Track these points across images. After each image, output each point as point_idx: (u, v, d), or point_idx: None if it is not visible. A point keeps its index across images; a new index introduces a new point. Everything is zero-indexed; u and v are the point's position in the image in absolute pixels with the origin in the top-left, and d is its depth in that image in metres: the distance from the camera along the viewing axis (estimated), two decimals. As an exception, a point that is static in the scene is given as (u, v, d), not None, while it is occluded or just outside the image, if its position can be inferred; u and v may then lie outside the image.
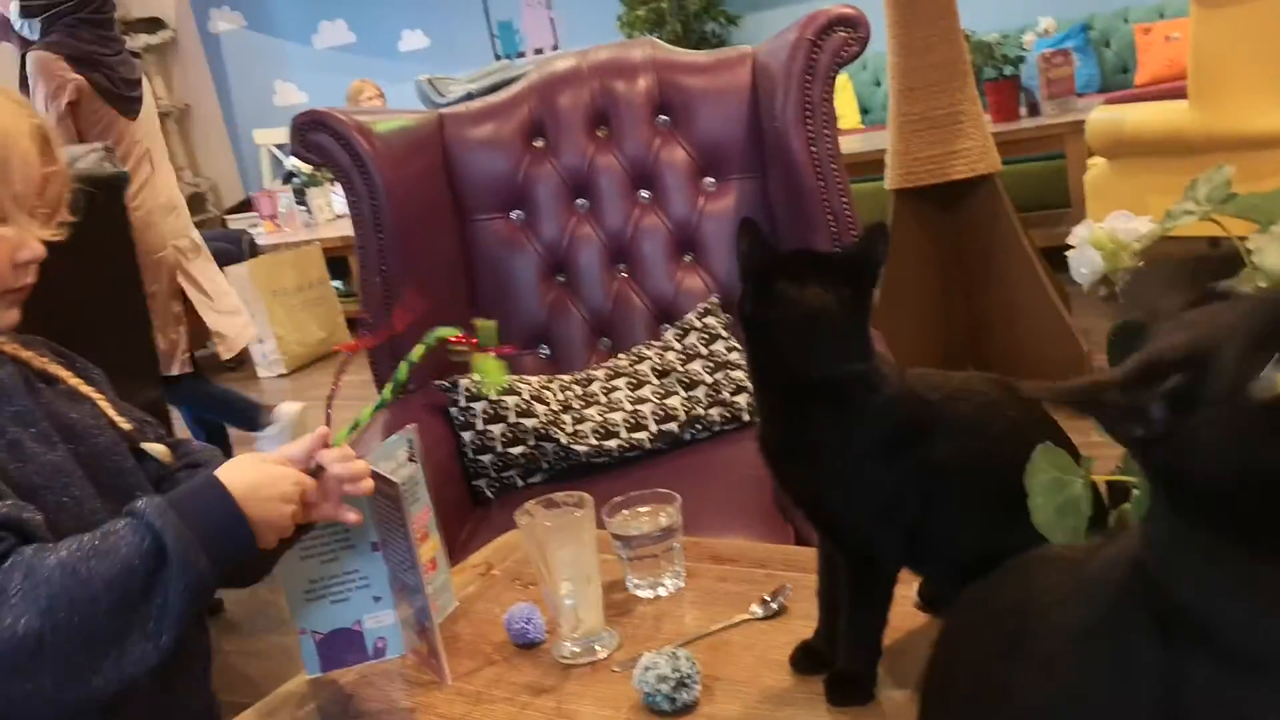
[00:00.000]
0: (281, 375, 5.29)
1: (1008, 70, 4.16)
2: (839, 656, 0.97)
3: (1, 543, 0.86)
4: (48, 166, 1.02)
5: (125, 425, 1.11)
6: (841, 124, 5.57)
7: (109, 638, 0.85)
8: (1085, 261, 0.76)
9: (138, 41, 7.92)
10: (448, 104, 4.60)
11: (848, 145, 4.54)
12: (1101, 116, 3.45)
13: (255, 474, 0.98)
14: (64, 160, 1.05)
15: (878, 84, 5.57)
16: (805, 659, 1.01)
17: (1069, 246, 0.81)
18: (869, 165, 3.87)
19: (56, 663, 0.83)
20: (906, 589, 1.02)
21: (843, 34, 1.75)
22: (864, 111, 5.68)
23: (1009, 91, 4.15)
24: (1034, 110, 4.17)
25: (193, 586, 0.89)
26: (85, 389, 1.10)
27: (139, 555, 0.87)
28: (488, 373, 1.09)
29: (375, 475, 1.08)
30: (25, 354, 1.06)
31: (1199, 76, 3.12)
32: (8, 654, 0.82)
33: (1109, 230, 0.76)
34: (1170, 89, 3.52)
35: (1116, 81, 5.13)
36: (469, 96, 4.57)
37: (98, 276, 2.02)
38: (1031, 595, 0.63)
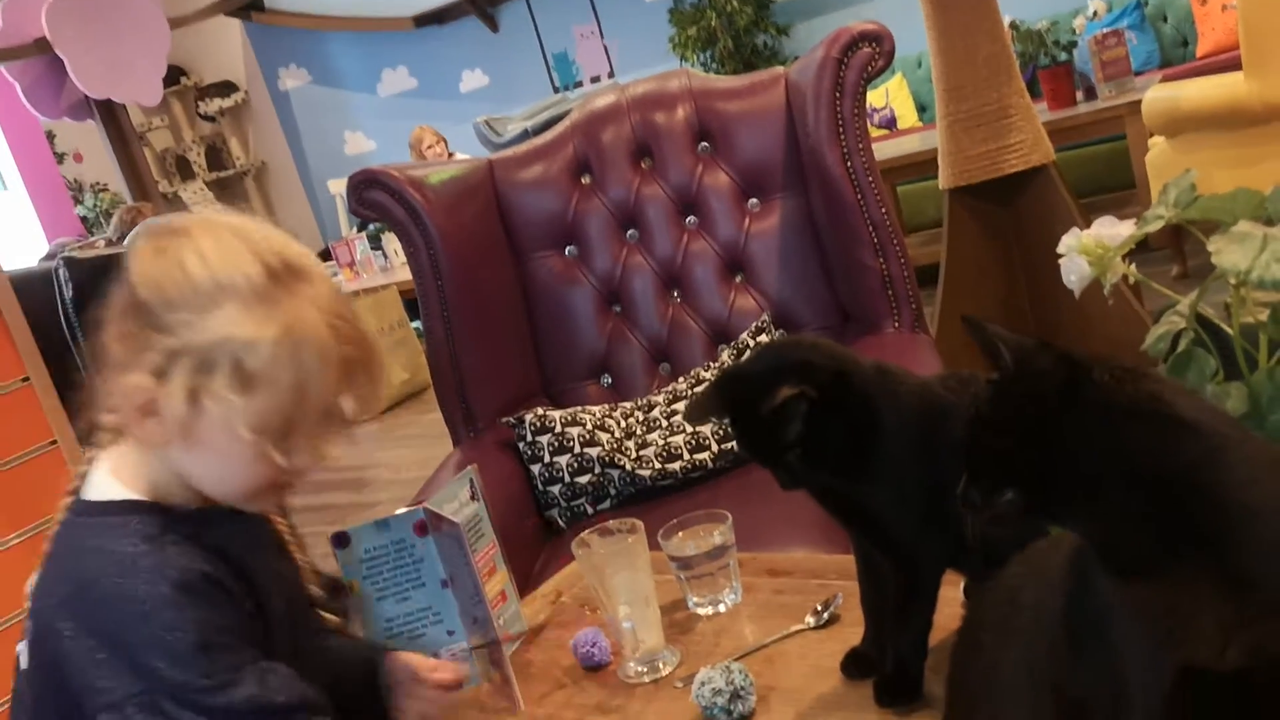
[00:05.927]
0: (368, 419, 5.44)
1: (1061, 56, 4.13)
2: (887, 659, 1.00)
3: None
4: (341, 394, 0.96)
5: (315, 591, 1.17)
6: (900, 124, 5.59)
7: None
8: (1074, 269, 0.79)
9: (213, 105, 8.26)
10: (506, 142, 4.72)
11: (906, 145, 4.59)
12: (1157, 95, 3.40)
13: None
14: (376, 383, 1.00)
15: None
16: (855, 664, 1.05)
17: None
18: (927, 164, 3.86)
19: None
20: (954, 590, 1.05)
21: (867, 50, 1.79)
22: (921, 109, 5.65)
23: (1063, 78, 4.11)
24: (1090, 94, 4.12)
25: None
26: (293, 549, 1.16)
27: None
28: None
29: (438, 516, 1.15)
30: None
31: (1251, 46, 3.07)
32: None
33: (1095, 236, 0.79)
34: (1231, 59, 3.45)
35: (1177, 55, 5.03)
36: (525, 134, 4.69)
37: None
38: (1021, 577, 0.68)
